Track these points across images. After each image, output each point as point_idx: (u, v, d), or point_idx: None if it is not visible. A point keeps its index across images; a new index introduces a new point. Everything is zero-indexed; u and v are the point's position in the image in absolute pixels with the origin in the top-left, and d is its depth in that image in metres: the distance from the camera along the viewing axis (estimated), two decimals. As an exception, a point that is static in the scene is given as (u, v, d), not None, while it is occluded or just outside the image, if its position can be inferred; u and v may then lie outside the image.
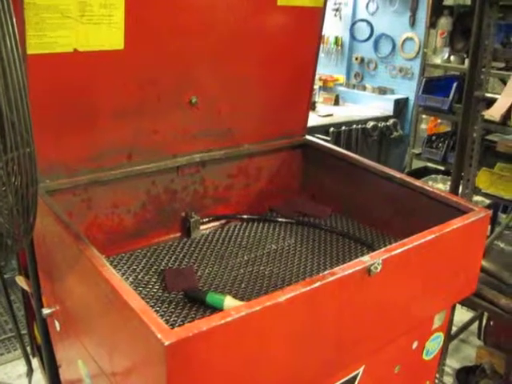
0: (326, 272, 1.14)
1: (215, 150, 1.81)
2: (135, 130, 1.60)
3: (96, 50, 1.41)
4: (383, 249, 1.27)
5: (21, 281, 1.93)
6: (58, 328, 1.51)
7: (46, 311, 1.51)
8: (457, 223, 1.43)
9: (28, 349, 2.22)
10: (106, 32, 1.40)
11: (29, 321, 2.18)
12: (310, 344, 1.15)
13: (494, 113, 1.71)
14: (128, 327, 1.01)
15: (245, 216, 1.92)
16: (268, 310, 1.01)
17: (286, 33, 1.80)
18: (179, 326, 1.31)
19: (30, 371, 2.21)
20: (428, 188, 1.70)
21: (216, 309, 1.38)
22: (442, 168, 3.83)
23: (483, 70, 1.89)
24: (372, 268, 1.19)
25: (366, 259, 1.21)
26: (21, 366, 2.56)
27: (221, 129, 1.80)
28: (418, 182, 1.74)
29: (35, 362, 2.22)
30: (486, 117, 1.87)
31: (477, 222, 1.48)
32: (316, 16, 1.83)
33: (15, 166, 0.84)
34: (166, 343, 0.88)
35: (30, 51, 1.28)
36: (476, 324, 3.00)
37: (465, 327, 2.94)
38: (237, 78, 1.76)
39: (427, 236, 1.34)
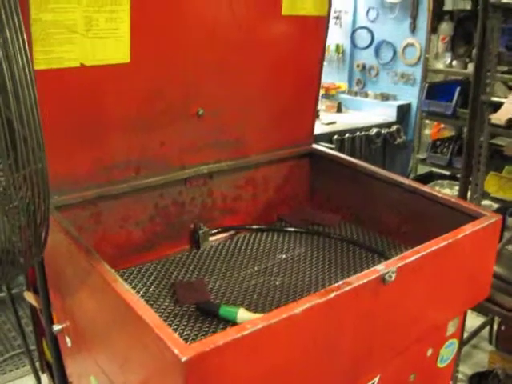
0: (340, 282, 1.13)
1: (222, 161, 1.81)
2: (143, 142, 1.59)
3: (102, 64, 1.40)
4: (397, 257, 1.26)
5: (29, 296, 1.92)
6: (69, 344, 1.49)
7: (56, 327, 1.50)
8: (469, 229, 1.42)
9: (37, 364, 2.21)
10: (112, 46, 1.40)
11: (38, 336, 2.18)
12: (326, 355, 1.14)
13: (501, 116, 1.70)
14: (143, 343, 1.00)
15: (254, 226, 1.91)
16: (284, 323, 1.00)
17: (290, 42, 1.80)
18: (193, 339, 1.30)
19: (40, 387, 2.20)
20: (437, 194, 1.69)
21: (229, 321, 1.37)
22: (448, 173, 3.82)
23: (488, 74, 1.89)
24: (386, 277, 1.18)
25: (381, 268, 1.20)
26: (30, 382, 2.54)
27: (228, 140, 1.80)
28: (427, 188, 1.73)
29: (44, 378, 2.21)
30: (493, 121, 1.86)
31: (489, 226, 1.47)
32: (320, 25, 1.83)
33: (27, 183, 0.84)
34: (184, 359, 0.86)
35: (36, 67, 1.27)
36: (487, 329, 2.98)
37: (476, 333, 2.92)
38: (243, 89, 1.75)
39: (440, 243, 1.33)
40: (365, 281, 1.15)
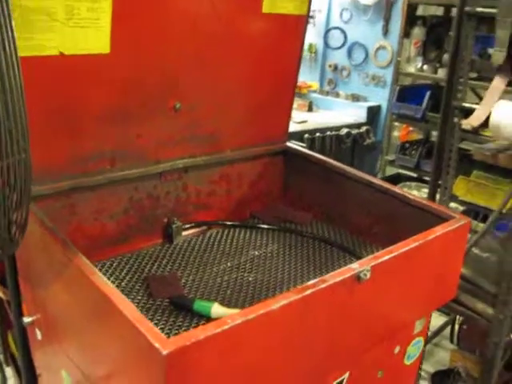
0: (316, 279, 1.15)
1: (198, 156, 1.81)
2: (119, 134, 1.58)
3: (82, 54, 1.38)
4: (371, 256, 1.29)
5: (-4, 288, 1.89)
6: (39, 337, 1.48)
7: (26, 319, 1.48)
8: (440, 230, 1.46)
9: (1, 357, 2.17)
10: (93, 36, 1.38)
11: (3, 329, 2.14)
12: (301, 350, 1.15)
13: (472, 122, 1.75)
14: (122, 336, 1.00)
15: (227, 222, 1.92)
16: (262, 318, 1.02)
17: (270, 40, 1.80)
18: (167, 334, 1.30)
19: (4, 380, 2.16)
20: (409, 195, 1.73)
21: (203, 316, 1.37)
22: (415, 175, 3.89)
23: (461, 80, 1.93)
24: (361, 275, 1.20)
25: (355, 266, 1.22)
26: (-8, 376, 2.48)
27: (203, 135, 1.80)
28: (398, 189, 1.77)
29: (8, 371, 2.17)
30: (464, 126, 1.91)
31: (458, 228, 1.51)
32: (299, 24, 1.85)
33: (11, 172, 0.83)
34: (165, 353, 0.87)
35: (16, 54, 1.25)
36: (448, 328, 3.06)
37: (438, 332, 2.99)
38: (220, 84, 1.75)
39: (412, 243, 1.36)
40: (340, 278, 1.17)
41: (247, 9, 1.69)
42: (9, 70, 0.76)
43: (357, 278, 1.20)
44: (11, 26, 0.77)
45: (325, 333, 1.20)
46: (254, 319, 1.00)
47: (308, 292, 1.10)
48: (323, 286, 1.13)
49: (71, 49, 1.36)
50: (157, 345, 0.88)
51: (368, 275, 1.21)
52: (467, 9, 1.86)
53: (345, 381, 1.42)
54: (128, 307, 0.98)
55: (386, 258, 1.28)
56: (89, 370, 1.18)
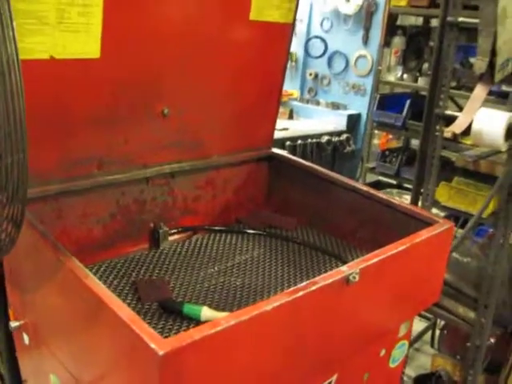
0: (307, 282, 1.17)
1: (184, 162, 1.82)
2: (107, 139, 1.58)
3: (72, 58, 1.39)
4: (360, 259, 1.31)
5: (-22, 294, 1.87)
6: (26, 341, 1.46)
7: (13, 324, 1.46)
8: (425, 234, 1.49)
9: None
10: (83, 40, 1.39)
11: (-16, 336, 2.11)
12: (293, 352, 1.17)
13: (455, 128, 1.79)
14: (116, 338, 1.00)
15: (213, 227, 1.93)
16: (255, 319, 1.03)
17: (256, 47, 1.83)
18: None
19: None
20: (393, 200, 1.76)
21: (193, 319, 1.38)
22: (395, 182, 3.95)
23: (443, 89, 1.98)
24: (350, 277, 1.22)
25: (345, 269, 1.24)
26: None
27: (190, 140, 1.81)
28: (382, 195, 1.80)
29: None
30: (446, 134, 1.95)
31: (442, 233, 1.54)
32: (285, 32, 1.87)
33: (9, 172, 0.83)
34: (161, 353, 0.87)
35: (6, 57, 1.25)
36: (429, 333, 3.10)
37: (419, 336, 3.03)
38: (207, 91, 1.77)
39: (399, 246, 1.39)
40: (330, 281, 1.18)
41: (235, 16, 1.72)
42: (10, 69, 0.77)
43: (346, 280, 1.22)
44: (12, 25, 0.77)
45: (315, 334, 1.21)
46: (247, 320, 1.01)
47: (299, 294, 1.11)
48: (314, 288, 1.15)
49: (62, 53, 1.36)
50: (153, 345, 0.89)
51: (357, 278, 1.23)
52: (449, 19, 1.91)
53: (333, 383, 1.43)
54: (122, 308, 0.98)
55: (375, 260, 1.31)
56: (80, 373, 1.18)
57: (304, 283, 1.16)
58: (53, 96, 1.42)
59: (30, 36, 1.29)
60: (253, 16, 1.74)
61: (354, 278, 1.23)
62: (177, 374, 0.91)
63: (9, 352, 1.63)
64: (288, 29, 1.89)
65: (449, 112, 1.96)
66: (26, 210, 1.36)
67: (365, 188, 1.84)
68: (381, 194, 1.80)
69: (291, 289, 1.13)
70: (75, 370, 1.20)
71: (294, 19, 1.88)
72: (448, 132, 1.89)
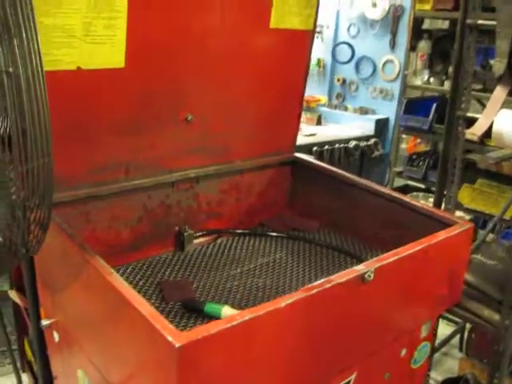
0: (322, 280, 1.20)
1: (209, 166, 1.87)
2: (133, 145, 1.65)
3: (98, 68, 1.46)
4: (375, 258, 1.34)
5: (13, 295, 1.95)
6: (56, 339, 1.53)
7: (45, 322, 1.53)
8: (443, 235, 1.50)
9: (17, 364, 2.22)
10: (109, 51, 1.46)
11: (19, 335, 2.20)
12: (307, 348, 1.20)
13: (475, 131, 1.80)
14: (137, 332, 1.05)
15: (237, 230, 1.97)
16: (269, 315, 1.07)
17: (277, 54, 1.87)
18: (180, 333, 1.35)
19: (20, 386, 2.22)
20: (415, 202, 1.78)
21: (214, 318, 1.42)
22: (423, 186, 3.93)
23: (464, 91, 1.99)
24: (366, 276, 1.25)
25: (360, 268, 1.27)
26: (9, 382, 2.55)
27: (214, 145, 1.86)
28: (404, 197, 1.82)
29: (23, 378, 2.22)
30: (467, 136, 1.96)
31: (461, 233, 1.56)
32: (306, 39, 1.91)
33: (34, 175, 0.89)
34: (177, 345, 0.92)
35: (36, 69, 1.33)
36: (457, 337, 3.08)
37: (447, 340, 3.01)
38: (230, 97, 1.82)
39: (416, 247, 1.41)
40: (345, 279, 1.22)
41: (255, 24, 1.76)
42: (35, 81, 0.83)
43: (361, 279, 1.25)
44: (37, 39, 0.84)
45: (331, 332, 1.24)
46: (262, 316, 1.05)
47: (314, 291, 1.15)
48: (328, 285, 1.18)
49: (88, 64, 1.43)
50: (170, 338, 0.94)
51: (372, 276, 1.26)
52: (469, 21, 1.92)
53: (352, 381, 1.46)
54: (143, 304, 1.03)
55: (391, 260, 1.33)
56: (105, 367, 1.23)
57: (319, 281, 1.19)
58: (80, 105, 1.49)
59: (58, 48, 1.37)
60: (273, 24, 1.79)
61: (370, 276, 1.26)
62: (193, 366, 0.96)
63: (41, 350, 1.70)
64: (308, 35, 1.93)
65: (470, 114, 1.97)
66: (56, 213, 1.44)
67: (386, 191, 1.86)
68: (402, 197, 1.82)
69: (306, 286, 1.16)
70: (101, 365, 1.26)
71: (315, 26, 1.91)
72: (469, 134, 1.90)
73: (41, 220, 0.97)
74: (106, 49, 1.45)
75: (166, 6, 1.53)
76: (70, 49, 1.38)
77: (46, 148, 0.89)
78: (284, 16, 1.80)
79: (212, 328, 0.97)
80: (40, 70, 0.85)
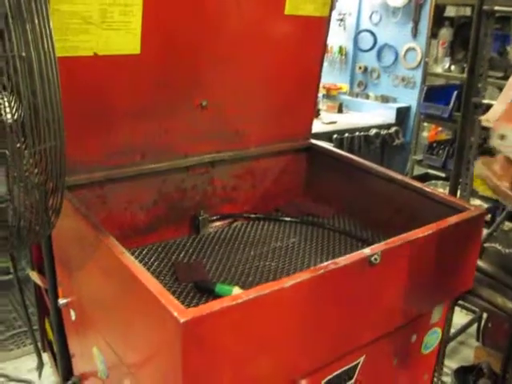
0: (328, 262, 1.22)
1: (224, 152, 1.90)
2: (149, 130, 1.68)
3: (114, 54, 1.49)
4: (383, 242, 1.35)
5: (34, 276, 2.02)
6: (73, 317, 1.59)
7: (62, 301, 1.59)
8: (453, 220, 1.51)
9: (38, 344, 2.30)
10: (124, 37, 1.49)
11: (40, 316, 2.27)
12: (313, 329, 1.22)
13: (490, 117, 1.78)
14: (146, 309, 1.09)
15: (251, 215, 2.00)
16: (274, 295, 1.09)
17: (292, 40, 1.89)
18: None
19: (41, 365, 2.29)
20: (427, 189, 1.78)
21: (224, 299, 1.46)
22: (443, 174, 3.91)
23: (480, 77, 1.98)
24: (372, 259, 1.27)
25: (367, 251, 1.29)
26: (30, 361, 2.63)
27: (229, 131, 1.89)
28: (417, 184, 1.82)
29: (44, 357, 2.30)
30: (482, 122, 1.95)
31: (472, 219, 1.56)
32: (321, 25, 1.92)
33: (47, 156, 0.93)
34: (182, 321, 0.95)
35: (53, 54, 1.37)
36: (474, 327, 3.07)
37: (463, 329, 3.01)
38: (245, 83, 1.84)
39: (425, 231, 1.42)
40: (351, 261, 1.24)
41: (270, 10, 1.78)
42: (47, 65, 0.87)
43: (368, 262, 1.27)
44: (49, 24, 0.87)
45: (337, 314, 1.26)
46: (267, 295, 1.08)
47: (319, 272, 1.17)
48: (334, 267, 1.20)
49: (104, 50, 1.47)
50: (175, 314, 0.97)
51: (378, 259, 1.27)
52: (485, 8, 1.91)
53: (360, 364, 1.48)
54: (151, 282, 1.07)
55: (398, 243, 1.35)
56: (117, 345, 1.28)
57: (325, 263, 1.21)
58: (97, 90, 1.53)
59: (76, 35, 1.40)
60: (288, 11, 1.80)
61: (376, 259, 1.27)
62: (198, 342, 0.99)
63: (59, 328, 1.76)
64: (324, 22, 1.93)
65: (485, 100, 1.96)
66: (73, 195, 1.48)
67: (400, 177, 1.87)
68: (415, 183, 1.83)
69: (312, 267, 1.19)
70: (113, 342, 1.30)
71: (330, 12, 1.92)
72: (484, 121, 1.88)
73: (54, 199, 1.01)
74: (121, 35, 1.48)
75: (181, -8, 1.56)
76: (86, 35, 1.42)
77: (59, 130, 0.92)
78: (299, 2, 1.81)
79: (216, 305, 1.01)
80: (52, 53, 0.88)
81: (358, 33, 4.53)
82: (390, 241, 1.35)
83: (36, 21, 0.85)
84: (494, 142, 1.27)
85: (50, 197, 1.04)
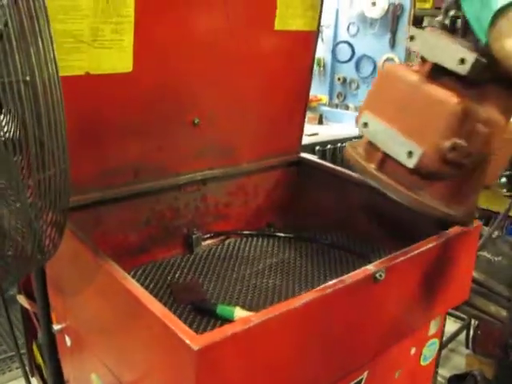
0: (335, 280, 1.21)
1: (216, 169, 1.88)
2: (141, 148, 1.65)
3: (106, 73, 1.47)
4: (386, 257, 1.34)
5: (22, 300, 1.96)
6: (68, 343, 1.54)
7: (56, 327, 1.54)
8: (452, 232, 1.51)
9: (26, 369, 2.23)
10: (116, 55, 1.47)
11: (28, 339, 2.21)
12: (321, 349, 1.21)
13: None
14: (153, 335, 1.06)
15: (245, 232, 1.98)
16: (285, 315, 1.07)
17: (282, 56, 1.88)
18: (193, 336, 1.36)
19: (30, 390, 2.22)
20: (421, 201, 1.78)
21: (226, 320, 1.43)
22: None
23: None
24: (377, 276, 1.26)
25: (371, 267, 1.28)
26: (17, 387, 2.56)
27: (221, 147, 1.87)
28: (410, 196, 1.82)
29: (33, 382, 2.23)
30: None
31: (470, 231, 1.56)
32: (310, 39, 1.92)
33: (52, 182, 0.90)
34: (195, 348, 0.93)
35: (45, 75, 1.33)
36: (463, 334, 3.09)
37: (453, 337, 3.02)
38: (236, 100, 1.83)
39: (426, 245, 1.42)
40: (357, 279, 1.22)
41: (260, 27, 1.77)
42: (51, 89, 0.84)
43: (373, 278, 1.26)
44: (53, 47, 0.84)
45: (344, 332, 1.25)
46: (277, 317, 1.06)
47: (328, 291, 1.16)
48: (341, 285, 1.19)
49: (96, 69, 1.44)
50: (187, 341, 0.94)
51: (383, 276, 1.27)
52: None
53: (363, 380, 1.47)
54: (159, 308, 1.04)
55: (401, 259, 1.34)
56: (120, 370, 1.24)
57: (332, 281, 1.20)
58: (89, 109, 1.50)
59: (68, 54, 1.37)
60: (278, 26, 1.80)
61: (381, 276, 1.26)
62: (211, 368, 0.97)
63: (52, 354, 1.71)
64: (313, 36, 1.93)
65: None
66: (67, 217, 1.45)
67: (392, 190, 1.87)
68: (408, 196, 1.82)
69: (320, 287, 1.17)
70: (116, 368, 1.26)
71: (319, 27, 1.92)
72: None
73: (56, 225, 0.97)
74: (113, 53, 1.46)
75: (172, 10, 1.54)
76: (79, 54, 1.39)
77: (63, 155, 0.90)
78: (288, 18, 1.81)
79: (229, 330, 0.98)
80: (56, 78, 0.85)
81: (335, 44, 4.57)
82: (392, 256, 1.35)
83: (40, 43, 0.82)
84: (359, 128, 1.32)
85: (52, 219, 1.01)
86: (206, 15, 1.63)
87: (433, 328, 1.71)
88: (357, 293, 1.24)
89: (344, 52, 4.51)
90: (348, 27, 4.44)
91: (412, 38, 1.33)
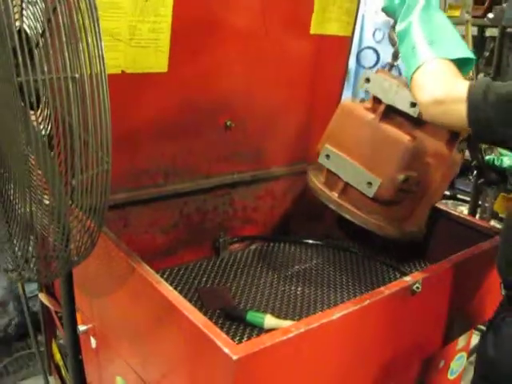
0: (372, 291, 1.18)
1: (245, 172, 1.86)
2: (172, 150, 1.64)
3: (141, 72, 1.45)
4: (423, 269, 1.32)
5: (43, 298, 1.95)
6: (93, 345, 1.52)
7: (82, 328, 1.52)
8: (486, 246, 1.48)
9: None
10: (152, 55, 1.45)
11: (47, 338, 2.20)
12: (357, 360, 1.18)
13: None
14: (189, 342, 1.04)
15: (273, 237, 1.96)
16: (324, 327, 1.04)
17: (316, 60, 1.85)
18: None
19: (48, 388, 2.21)
20: (453, 212, 1.75)
21: (255, 327, 1.41)
22: (448, 193, 3.89)
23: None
24: (414, 288, 1.23)
25: (408, 279, 1.24)
26: (34, 385, 2.54)
27: (251, 152, 1.85)
28: (442, 206, 1.79)
29: (51, 380, 2.22)
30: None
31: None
32: (344, 45, 1.89)
33: (94, 182, 0.88)
34: (235, 358, 0.90)
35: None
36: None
37: (475, 350, 2.96)
38: (269, 103, 1.80)
39: (461, 258, 1.38)
40: (395, 290, 1.19)
41: (296, 30, 1.75)
42: (98, 85, 0.82)
43: (410, 290, 1.23)
44: (101, 44, 0.82)
45: (380, 344, 1.22)
46: (316, 328, 1.03)
47: (366, 303, 1.13)
48: (379, 297, 1.16)
49: (132, 67, 1.43)
50: (226, 350, 0.92)
51: (420, 288, 1.23)
52: (509, 30, 1.90)
53: (393, 394, 1.44)
54: (196, 314, 1.01)
55: (437, 271, 1.31)
56: (149, 375, 1.22)
57: (370, 292, 1.17)
58: (123, 109, 1.46)
59: (106, 52, 1.35)
60: (313, 30, 1.77)
61: (418, 288, 1.23)
62: (249, 378, 0.94)
63: (75, 355, 1.69)
64: (347, 42, 1.91)
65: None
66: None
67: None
68: (440, 206, 1.79)
69: (357, 297, 1.14)
70: (143, 372, 1.24)
71: (353, 33, 1.89)
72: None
73: (93, 226, 0.95)
74: (149, 53, 1.44)
75: (209, 12, 1.53)
76: (115, 52, 1.38)
77: (107, 156, 0.88)
78: (324, 22, 1.78)
79: (267, 340, 0.96)
80: (104, 75, 0.84)
81: (360, 50, 4.53)
82: (429, 268, 1.32)
83: (89, 39, 0.80)
84: (321, 159, 1.52)
85: (91, 219, 0.99)
86: (243, 18, 1.61)
87: (461, 341, 1.67)
88: (394, 304, 1.21)
89: (369, 58, 4.47)
90: (374, 33, 4.40)
91: (368, 80, 1.50)
